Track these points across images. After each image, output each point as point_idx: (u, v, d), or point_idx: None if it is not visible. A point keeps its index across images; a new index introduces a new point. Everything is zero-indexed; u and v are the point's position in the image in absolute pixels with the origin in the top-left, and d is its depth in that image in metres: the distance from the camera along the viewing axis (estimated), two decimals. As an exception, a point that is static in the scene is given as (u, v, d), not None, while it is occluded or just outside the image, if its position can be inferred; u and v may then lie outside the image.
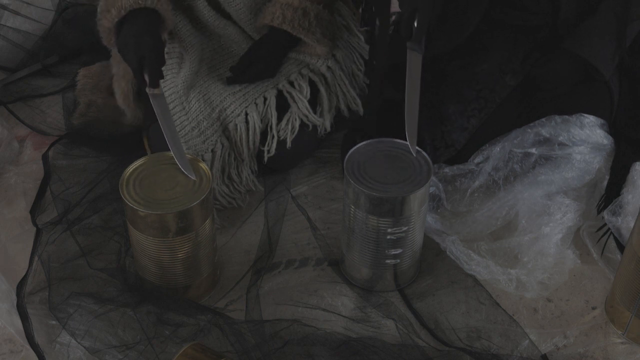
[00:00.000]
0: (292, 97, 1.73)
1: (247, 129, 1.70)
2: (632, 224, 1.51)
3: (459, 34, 1.74)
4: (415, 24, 1.50)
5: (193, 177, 1.43)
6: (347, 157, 1.46)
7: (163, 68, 1.70)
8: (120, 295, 1.48)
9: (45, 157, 1.82)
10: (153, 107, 1.52)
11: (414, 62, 1.53)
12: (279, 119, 1.72)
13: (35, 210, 1.70)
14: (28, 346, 1.43)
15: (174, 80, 1.70)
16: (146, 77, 1.51)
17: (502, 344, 1.45)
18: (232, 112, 1.69)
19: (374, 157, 1.46)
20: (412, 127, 1.49)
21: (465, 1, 1.71)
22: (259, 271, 1.58)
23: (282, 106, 1.73)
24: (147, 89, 1.52)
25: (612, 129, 1.74)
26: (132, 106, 1.78)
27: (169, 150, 1.52)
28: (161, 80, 1.69)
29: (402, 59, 1.55)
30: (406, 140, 1.48)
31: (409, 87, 1.52)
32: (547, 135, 1.67)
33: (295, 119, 1.73)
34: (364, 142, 1.49)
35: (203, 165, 1.46)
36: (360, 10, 1.93)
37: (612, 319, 1.49)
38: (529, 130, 1.67)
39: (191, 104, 1.67)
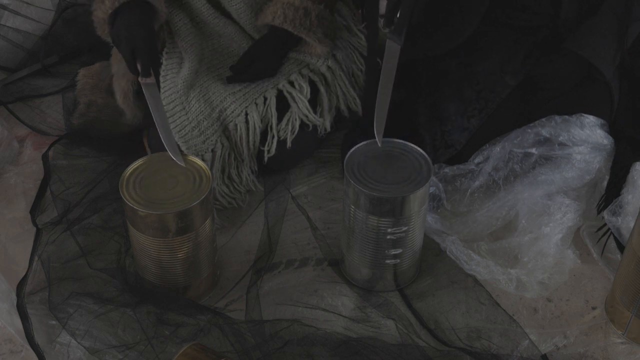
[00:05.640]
0: (292, 97, 1.73)
1: (247, 129, 1.70)
2: (632, 224, 1.51)
3: (458, 35, 1.74)
4: (398, 15, 1.52)
5: (182, 164, 1.44)
6: (347, 157, 1.46)
7: (163, 68, 1.72)
8: (120, 295, 1.48)
9: (45, 157, 1.82)
10: (145, 97, 1.55)
11: (391, 52, 1.54)
12: (279, 119, 1.72)
13: (35, 210, 1.70)
14: (28, 346, 1.43)
15: (173, 80, 1.70)
16: (139, 67, 1.55)
17: (502, 344, 1.45)
18: (232, 112, 1.69)
19: (374, 157, 1.46)
20: (380, 117, 1.49)
21: (464, 2, 1.71)
22: (259, 271, 1.58)
23: (282, 106, 1.73)
24: (139, 79, 1.57)
25: (612, 129, 1.74)
26: (132, 106, 1.78)
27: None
28: (161, 81, 1.70)
29: (401, 60, 1.55)
30: (406, 141, 1.48)
31: (383, 76, 1.53)
32: (547, 135, 1.66)
33: (296, 119, 1.73)
34: (364, 142, 1.49)
35: (203, 165, 1.46)
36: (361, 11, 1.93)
37: (612, 319, 1.49)
38: (529, 130, 1.67)
39: (191, 104, 1.67)
